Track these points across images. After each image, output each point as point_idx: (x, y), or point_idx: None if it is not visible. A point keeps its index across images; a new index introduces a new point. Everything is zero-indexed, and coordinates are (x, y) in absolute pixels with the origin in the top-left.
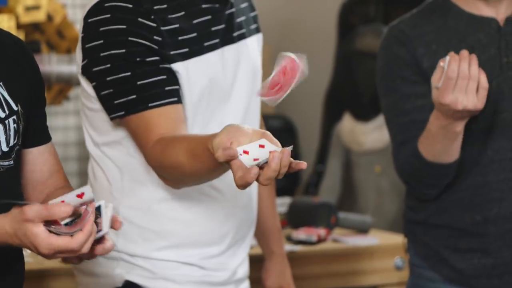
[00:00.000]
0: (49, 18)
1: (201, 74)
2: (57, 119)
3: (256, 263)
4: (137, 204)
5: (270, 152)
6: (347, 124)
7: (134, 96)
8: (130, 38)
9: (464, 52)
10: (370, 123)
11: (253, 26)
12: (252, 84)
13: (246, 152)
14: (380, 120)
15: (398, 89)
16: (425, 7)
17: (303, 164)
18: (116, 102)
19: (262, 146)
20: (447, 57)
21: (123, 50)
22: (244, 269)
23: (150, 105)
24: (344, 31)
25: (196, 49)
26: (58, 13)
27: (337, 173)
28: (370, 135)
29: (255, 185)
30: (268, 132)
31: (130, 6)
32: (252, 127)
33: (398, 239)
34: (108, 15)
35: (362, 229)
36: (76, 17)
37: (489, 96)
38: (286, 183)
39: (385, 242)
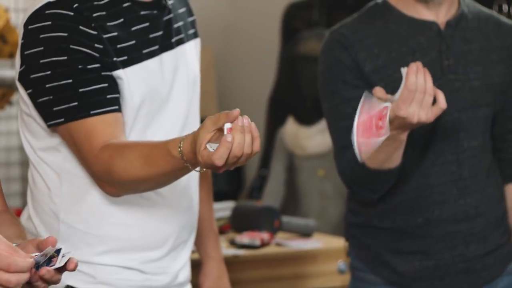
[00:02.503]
0: None
1: (141, 81)
2: (0, 124)
3: (197, 267)
4: (77, 209)
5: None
6: (291, 128)
7: (75, 103)
8: (71, 46)
9: (419, 64)
10: (313, 127)
11: (191, 31)
12: (191, 89)
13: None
14: (323, 124)
15: (340, 93)
16: (366, 11)
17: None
18: (55, 109)
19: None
20: (403, 71)
21: (65, 57)
22: (185, 273)
23: (91, 112)
24: (287, 35)
25: (135, 57)
26: (1, 17)
27: (280, 177)
28: (313, 139)
29: (196, 188)
30: (208, 117)
31: (71, 14)
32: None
33: (341, 243)
34: (49, 22)
35: (306, 233)
36: (19, 21)
37: None
38: (230, 187)
39: (328, 246)
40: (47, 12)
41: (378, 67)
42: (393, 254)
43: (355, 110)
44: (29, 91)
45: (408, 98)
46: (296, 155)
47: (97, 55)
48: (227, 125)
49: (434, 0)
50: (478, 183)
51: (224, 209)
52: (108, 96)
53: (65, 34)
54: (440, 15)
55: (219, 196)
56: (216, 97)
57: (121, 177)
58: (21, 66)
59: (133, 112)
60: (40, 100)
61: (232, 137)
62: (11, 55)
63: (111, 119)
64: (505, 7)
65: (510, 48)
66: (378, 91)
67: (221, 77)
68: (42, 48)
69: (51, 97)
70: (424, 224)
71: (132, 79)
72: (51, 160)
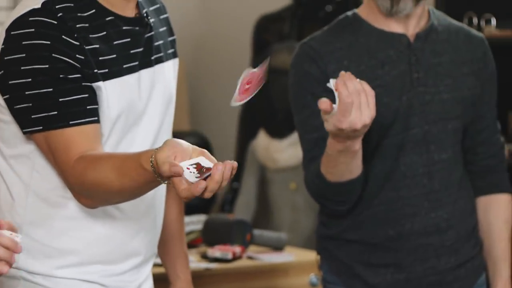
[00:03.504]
0: None
1: (119, 95)
2: None
3: (161, 282)
4: (40, 221)
5: (214, 164)
6: (262, 141)
7: (55, 112)
8: (53, 55)
9: (344, 73)
10: (284, 140)
11: (170, 51)
12: (165, 107)
13: (188, 168)
14: (294, 137)
15: (309, 106)
16: (336, 24)
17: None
18: (33, 116)
19: (199, 164)
20: (331, 83)
21: (46, 66)
22: (148, 286)
23: (71, 122)
24: (259, 48)
25: (116, 70)
26: None
27: (252, 190)
28: (284, 152)
29: (161, 207)
30: (206, 151)
31: (55, 22)
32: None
33: (313, 256)
34: (32, 29)
35: (277, 246)
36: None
37: (399, 112)
38: (201, 201)
39: (300, 259)
40: (30, 19)
41: None
42: (365, 267)
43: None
44: (6, 96)
45: (346, 110)
46: (267, 168)
47: (78, 65)
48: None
49: (399, 14)
50: (449, 196)
51: (195, 222)
52: (88, 107)
53: (48, 42)
54: (409, 28)
55: (190, 210)
56: (188, 109)
57: (95, 188)
58: None
59: (109, 124)
60: (18, 106)
61: (205, 185)
62: None
63: (90, 130)
64: (475, 20)
65: (480, 61)
66: (323, 103)
67: (192, 89)
68: (23, 55)
69: (30, 104)
70: (395, 236)
71: (111, 92)
72: (20, 169)
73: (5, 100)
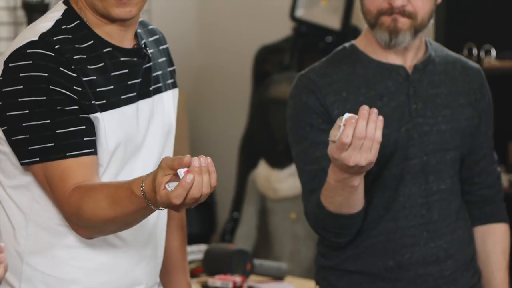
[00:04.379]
0: None
1: (117, 126)
2: None
3: None
4: (41, 250)
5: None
6: (263, 171)
7: (52, 144)
8: (51, 86)
9: (363, 110)
10: (285, 170)
11: (169, 81)
12: (165, 137)
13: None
14: (295, 167)
15: (308, 137)
16: (334, 55)
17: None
18: (31, 148)
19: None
20: (345, 117)
21: (44, 98)
22: None
23: (68, 154)
24: (259, 79)
25: (113, 102)
26: None
27: (252, 220)
28: (285, 182)
29: (162, 236)
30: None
31: (52, 54)
32: None
33: (313, 286)
34: (30, 62)
35: (278, 276)
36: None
37: (399, 143)
38: (202, 230)
39: None
40: (28, 51)
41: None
42: None
43: (323, 154)
44: (4, 128)
45: (343, 148)
46: (268, 198)
47: (75, 97)
48: (181, 170)
49: (398, 46)
50: (447, 226)
51: (196, 252)
52: (85, 139)
53: (45, 75)
54: (407, 59)
55: (191, 239)
56: (188, 139)
57: (90, 218)
58: None
59: (108, 155)
60: (15, 138)
61: (190, 178)
62: None
63: (87, 161)
64: (475, 51)
65: (476, 92)
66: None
67: (193, 120)
68: (21, 86)
69: (27, 136)
70: (395, 267)
71: (109, 124)
72: (20, 200)
73: (3, 131)
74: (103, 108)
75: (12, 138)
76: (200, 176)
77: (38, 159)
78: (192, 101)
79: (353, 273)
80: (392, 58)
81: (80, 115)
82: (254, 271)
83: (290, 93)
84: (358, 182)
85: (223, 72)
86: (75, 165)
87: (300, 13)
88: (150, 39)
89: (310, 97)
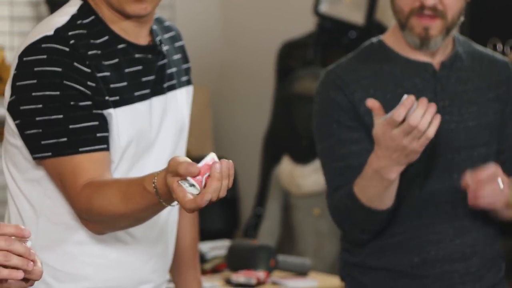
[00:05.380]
0: None
1: (129, 123)
2: None
3: None
4: (51, 246)
5: (213, 163)
6: (286, 167)
7: (65, 139)
8: (65, 82)
9: (424, 100)
10: (308, 166)
11: (184, 78)
12: (177, 135)
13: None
14: (318, 163)
15: (334, 134)
16: (361, 51)
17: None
18: (43, 142)
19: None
20: (404, 97)
21: (58, 93)
22: None
23: (80, 149)
24: (282, 74)
25: (127, 98)
26: None
27: (276, 216)
28: (308, 177)
29: (172, 233)
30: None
31: (67, 49)
32: None
33: (337, 282)
34: (45, 56)
35: (301, 272)
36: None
37: None
38: (225, 226)
39: (324, 285)
40: (43, 45)
41: None
42: None
43: (350, 151)
44: (17, 121)
45: (393, 124)
46: (291, 194)
47: (89, 92)
48: (192, 180)
49: (429, 50)
50: (473, 223)
51: (219, 247)
52: (98, 135)
53: (60, 69)
54: (435, 56)
55: (214, 235)
56: (212, 136)
57: (101, 214)
58: (11, 96)
59: (120, 152)
60: (28, 132)
61: (210, 197)
62: None
63: (99, 157)
64: (499, 46)
65: (504, 84)
66: (370, 101)
67: (217, 116)
68: (35, 81)
69: (40, 130)
70: (420, 264)
71: (121, 120)
72: (31, 195)
73: (16, 125)
74: (116, 104)
75: (25, 132)
76: (220, 182)
77: (50, 153)
78: (215, 98)
79: (378, 270)
80: (420, 55)
81: (93, 111)
82: (278, 266)
83: (317, 89)
84: (395, 176)
85: (246, 68)
86: (87, 160)
87: (323, 8)
88: (166, 35)
89: (338, 93)
